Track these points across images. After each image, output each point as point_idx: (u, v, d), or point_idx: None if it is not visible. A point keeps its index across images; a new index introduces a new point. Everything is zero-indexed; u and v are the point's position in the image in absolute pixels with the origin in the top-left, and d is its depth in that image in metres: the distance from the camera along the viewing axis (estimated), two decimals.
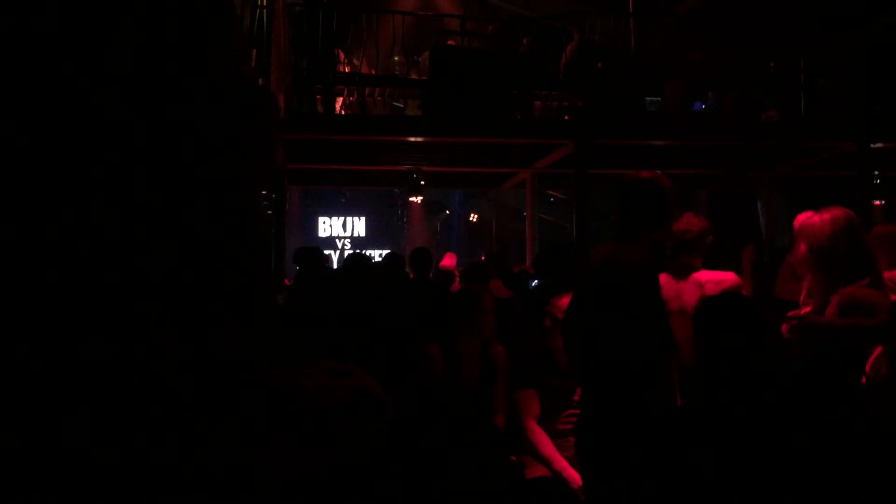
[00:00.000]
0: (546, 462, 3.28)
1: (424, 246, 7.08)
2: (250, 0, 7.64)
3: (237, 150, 1.61)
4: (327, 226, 16.72)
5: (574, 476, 3.14)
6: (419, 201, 10.03)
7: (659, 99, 9.56)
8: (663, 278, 3.68)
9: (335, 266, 14.17)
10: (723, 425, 2.22)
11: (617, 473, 2.59)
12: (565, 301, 3.43)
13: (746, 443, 2.15)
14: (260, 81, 7.80)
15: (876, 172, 9.81)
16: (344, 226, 16.81)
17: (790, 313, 3.04)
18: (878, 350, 2.64)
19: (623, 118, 8.66)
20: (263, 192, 8.50)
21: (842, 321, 2.78)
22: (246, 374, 1.34)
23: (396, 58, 9.78)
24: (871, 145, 8.91)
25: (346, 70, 9.14)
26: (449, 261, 9.27)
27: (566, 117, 9.20)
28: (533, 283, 5.01)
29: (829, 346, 2.78)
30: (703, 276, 3.66)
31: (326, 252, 15.02)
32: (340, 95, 9.10)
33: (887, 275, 3.21)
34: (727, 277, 3.69)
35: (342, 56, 9.28)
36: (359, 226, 16.87)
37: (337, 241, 16.66)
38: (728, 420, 2.21)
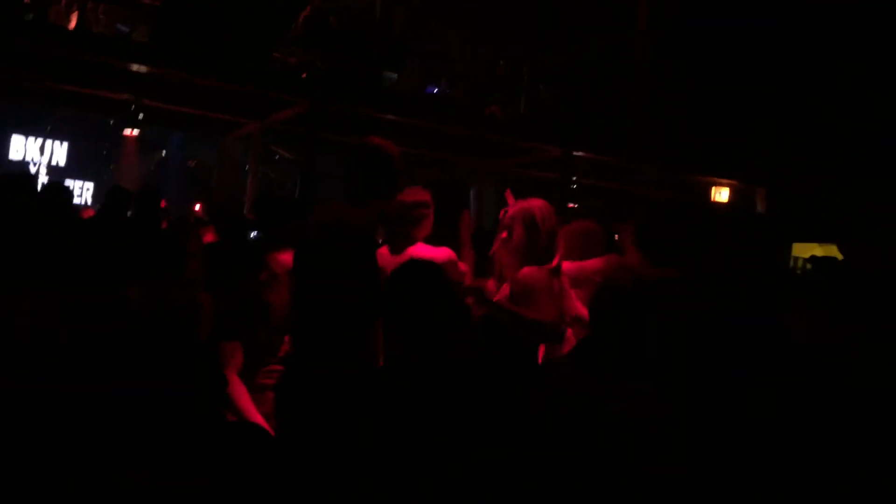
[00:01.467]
0: (240, 414, 3.23)
1: (146, 187, 6.49)
2: None
3: None
4: (21, 146, 14.83)
5: (268, 431, 3.12)
6: (134, 135, 9.30)
7: (395, 76, 9.79)
8: (382, 251, 3.77)
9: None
10: (413, 385, 2.33)
11: (313, 429, 2.62)
12: (284, 257, 3.39)
13: (431, 402, 2.27)
14: None
15: (574, 178, 10.94)
16: (42, 149, 15.03)
17: (467, 285, 3.28)
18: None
19: (361, 88, 8.73)
20: None
21: (509, 309, 3.04)
22: None
23: None
24: (573, 153, 9.90)
25: None
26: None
27: (304, 75, 9.05)
28: (251, 235, 4.89)
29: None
30: (419, 250, 3.75)
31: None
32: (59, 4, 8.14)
33: (568, 265, 3.57)
34: (441, 253, 3.80)
35: None
36: (59, 152, 15.18)
37: (31, 166, 14.85)
38: (418, 380, 2.32)
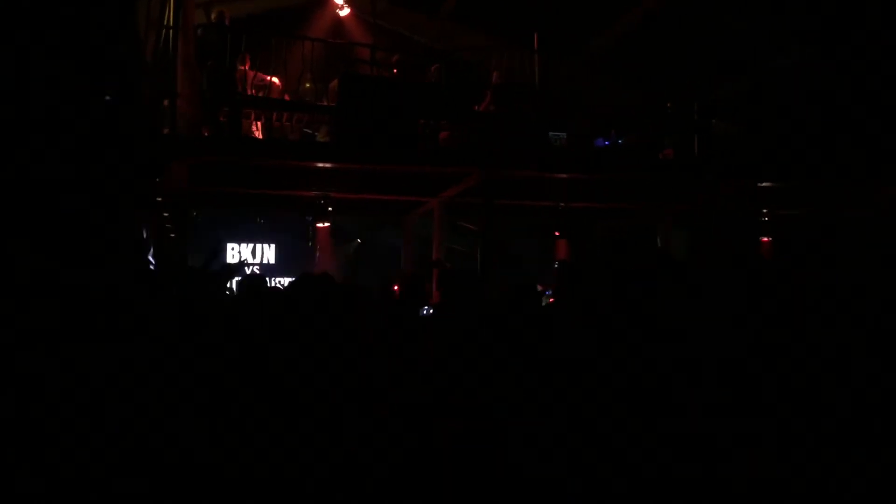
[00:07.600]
0: None
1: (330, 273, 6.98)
2: (156, 21, 7.56)
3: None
4: (236, 252, 16.40)
5: None
6: (327, 227, 10.03)
7: (563, 134, 9.84)
8: None
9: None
10: None
11: None
12: None
13: None
14: (165, 103, 7.69)
15: (764, 210, 10.36)
16: (253, 252, 16.53)
17: None
18: None
19: (529, 150, 8.86)
20: (165, 214, 8.35)
21: None
22: None
23: (308, 84, 9.78)
24: (759, 184, 9.41)
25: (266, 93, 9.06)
26: None
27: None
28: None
29: None
30: None
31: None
32: (248, 119, 9.03)
33: None
34: None
35: (268, 79, 9.12)
36: (268, 253, 16.61)
37: (246, 268, 16.32)
38: None
